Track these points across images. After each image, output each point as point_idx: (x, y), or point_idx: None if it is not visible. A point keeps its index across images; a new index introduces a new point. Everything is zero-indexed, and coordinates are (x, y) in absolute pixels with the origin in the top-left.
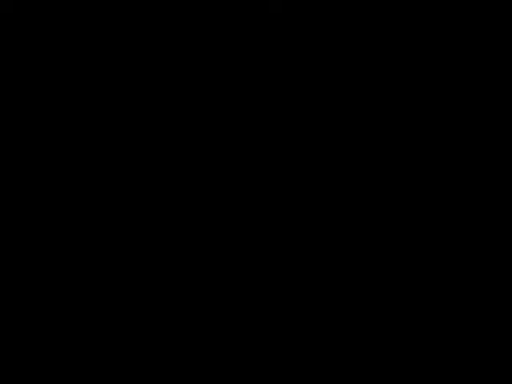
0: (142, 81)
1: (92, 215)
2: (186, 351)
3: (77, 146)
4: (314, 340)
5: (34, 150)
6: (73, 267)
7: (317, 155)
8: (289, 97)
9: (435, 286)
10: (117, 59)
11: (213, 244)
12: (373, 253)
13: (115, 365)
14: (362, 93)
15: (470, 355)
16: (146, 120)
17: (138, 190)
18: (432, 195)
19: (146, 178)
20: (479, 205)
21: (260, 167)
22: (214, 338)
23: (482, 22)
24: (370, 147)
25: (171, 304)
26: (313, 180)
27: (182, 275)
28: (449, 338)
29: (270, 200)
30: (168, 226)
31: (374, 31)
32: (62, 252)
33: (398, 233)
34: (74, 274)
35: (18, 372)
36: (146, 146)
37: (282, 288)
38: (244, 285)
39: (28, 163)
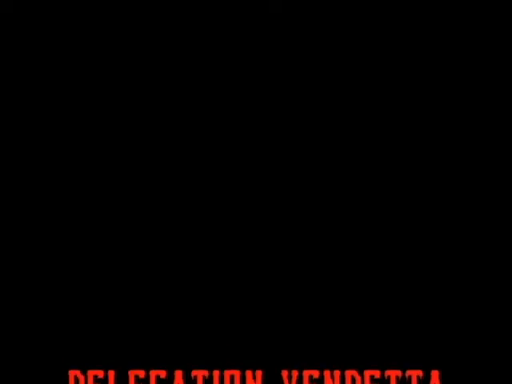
0: (141, 81)
1: (92, 215)
2: (185, 350)
3: (77, 145)
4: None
5: (33, 150)
6: (73, 266)
7: (316, 155)
8: (288, 96)
9: (435, 285)
10: (116, 59)
11: (212, 243)
12: (372, 252)
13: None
14: (362, 93)
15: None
16: (145, 120)
17: (138, 190)
18: (432, 195)
19: (146, 177)
20: (479, 204)
21: (260, 167)
22: (212, 337)
23: (482, 22)
24: (370, 147)
25: (170, 303)
26: (312, 180)
27: (181, 274)
28: (448, 337)
29: (269, 200)
30: (168, 226)
31: (374, 31)
32: (62, 251)
33: (398, 232)
34: (73, 273)
35: (18, 371)
36: (146, 146)
37: (281, 287)
38: (244, 284)
39: (28, 163)
